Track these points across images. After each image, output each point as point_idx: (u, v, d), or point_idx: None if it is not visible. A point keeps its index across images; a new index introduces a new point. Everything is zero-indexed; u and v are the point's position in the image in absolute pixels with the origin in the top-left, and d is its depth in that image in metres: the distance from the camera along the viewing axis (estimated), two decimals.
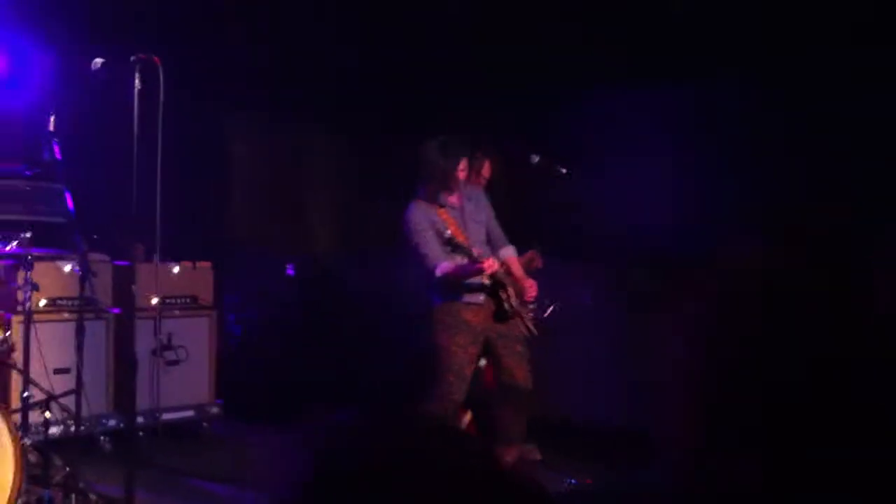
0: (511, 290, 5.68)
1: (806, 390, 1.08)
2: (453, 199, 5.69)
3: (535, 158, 5.89)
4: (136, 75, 4.07)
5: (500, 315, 5.70)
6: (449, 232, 5.49)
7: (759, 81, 6.51)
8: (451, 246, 5.45)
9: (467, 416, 6.47)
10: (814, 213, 1.22)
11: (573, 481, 5.26)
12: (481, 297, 5.65)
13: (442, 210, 5.62)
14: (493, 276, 5.57)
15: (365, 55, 8.31)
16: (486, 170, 6.25)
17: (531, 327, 5.75)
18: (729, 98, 6.69)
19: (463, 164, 5.65)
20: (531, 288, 5.75)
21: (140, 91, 4.09)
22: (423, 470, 0.94)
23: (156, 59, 4.08)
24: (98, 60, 4.31)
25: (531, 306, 5.80)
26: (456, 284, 5.56)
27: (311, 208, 9.55)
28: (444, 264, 5.49)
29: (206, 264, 6.98)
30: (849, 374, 1.09)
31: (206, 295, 6.94)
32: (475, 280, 5.58)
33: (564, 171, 5.89)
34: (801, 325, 1.10)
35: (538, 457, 6.23)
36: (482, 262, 5.38)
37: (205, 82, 7.81)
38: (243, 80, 8.41)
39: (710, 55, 6.52)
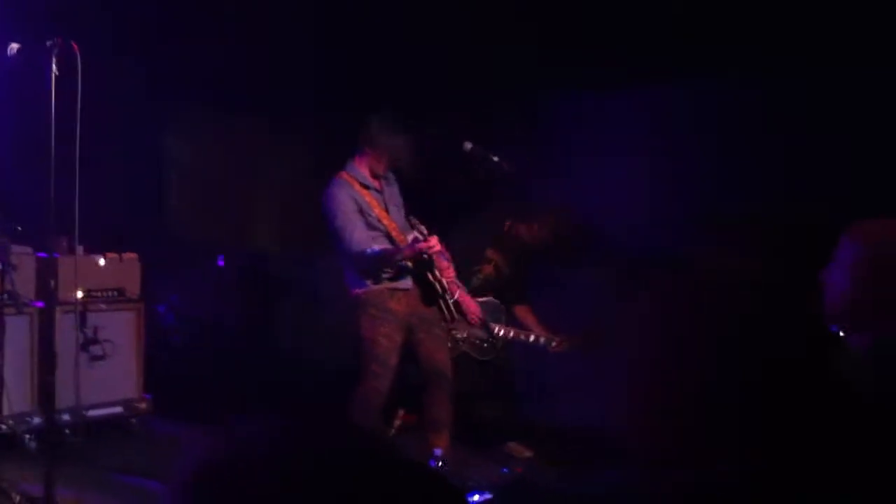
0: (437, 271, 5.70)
1: (772, 391, 1.07)
2: (376, 182, 5.70)
3: (468, 146, 5.87)
4: (53, 60, 3.95)
5: (429, 296, 5.70)
6: (374, 213, 5.51)
7: (735, 84, 6.54)
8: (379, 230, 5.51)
9: (400, 414, 6.46)
10: (785, 217, 1.22)
11: (505, 470, 5.26)
12: (409, 282, 5.63)
13: (365, 191, 5.61)
14: (420, 257, 5.59)
15: (307, 43, 8.22)
16: (531, 230, 6.32)
17: (452, 310, 5.76)
18: (704, 100, 6.73)
19: (397, 145, 5.65)
20: (447, 269, 5.77)
21: (57, 77, 3.96)
22: (319, 472, 0.90)
23: (73, 44, 3.95)
24: (14, 45, 4.17)
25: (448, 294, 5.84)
26: (382, 269, 5.55)
27: (245, 200, 9.43)
28: (377, 247, 5.48)
29: (133, 256, 6.84)
30: (814, 375, 1.08)
31: (133, 287, 6.80)
32: (403, 263, 5.58)
33: (496, 158, 5.87)
34: (768, 328, 1.09)
35: (528, 454, 6.24)
36: (426, 242, 5.42)
37: (133, 65, 7.66)
38: (175, 64, 8.26)
39: (684, 57, 6.54)
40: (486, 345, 6.23)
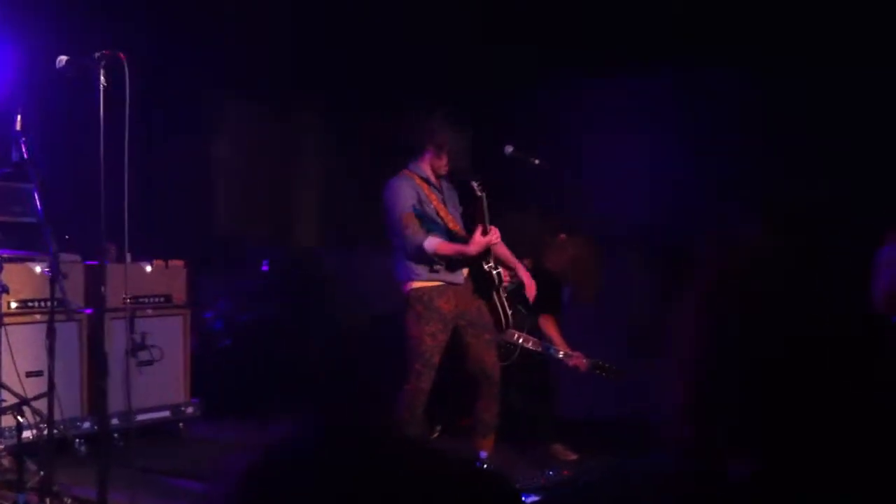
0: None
1: (798, 376, 1.07)
2: (436, 181, 5.71)
3: (509, 149, 5.86)
4: (101, 72, 4.01)
5: (483, 287, 5.69)
6: (433, 206, 5.53)
7: (748, 66, 6.53)
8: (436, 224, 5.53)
9: (435, 433, 6.47)
10: (801, 202, 1.22)
11: (551, 473, 5.26)
12: (461, 277, 5.62)
13: (426, 185, 5.63)
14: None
15: (344, 47, 8.28)
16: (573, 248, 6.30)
17: (507, 309, 5.74)
18: (718, 84, 6.72)
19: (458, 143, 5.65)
20: (504, 273, 5.78)
21: (105, 88, 4.03)
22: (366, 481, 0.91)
23: (120, 55, 4.02)
24: (62, 58, 4.24)
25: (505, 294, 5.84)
26: (436, 261, 5.55)
27: (287, 204, 9.51)
28: (438, 241, 5.48)
29: (179, 263, 6.92)
30: (838, 358, 1.08)
31: (180, 293, 6.89)
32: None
33: (537, 161, 5.85)
34: (791, 314, 1.09)
35: (573, 456, 6.23)
36: (488, 237, 5.44)
37: (178, 77, 7.75)
38: (220, 75, 8.36)
39: (698, 40, 6.54)
40: (502, 350, 6.21)
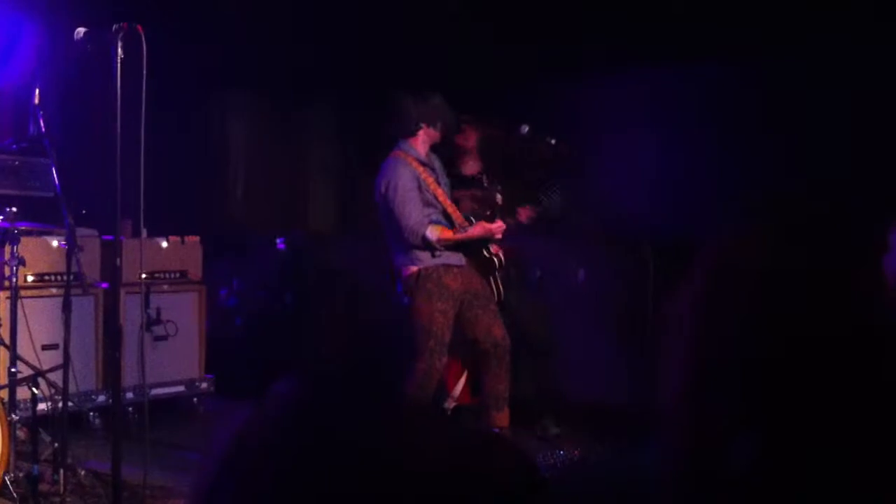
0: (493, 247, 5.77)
1: (797, 371, 1.07)
2: (426, 158, 5.72)
3: (525, 129, 5.86)
4: (119, 45, 4.00)
5: (483, 270, 5.74)
6: (432, 190, 5.55)
7: (756, 64, 6.50)
8: (441, 214, 5.55)
9: (462, 378, 6.46)
10: (803, 200, 1.21)
11: (561, 453, 5.26)
12: (462, 258, 5.66)
13: (422, 168, 5.63)
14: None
15: (358, 31, 8.26)
16: (468, 138, 6.23)
17: (500, 287, 5.80)
18: (724, 81, 6.69)
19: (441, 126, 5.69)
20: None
21: (123, 61, 4.02)
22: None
23: (139, 27, 4.01)
24: (80, 30, 4.22)
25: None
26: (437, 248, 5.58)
27: (304, 184, 9.51)
28: (440, 231, 5.51)
29: (195, 239, 6.94)
30: (835, 354, 1.08)
31: (195, 270, 6.91)
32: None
33: (553, 141, 5.85)
34: (791, 308, 1.09)
35: (556, 431, 6.21)
36: (493, 225, 5.47)
37: (195, 54, 7.74)
38: (235, 52, 8.35)
39: (697, 39, 6.51)
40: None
